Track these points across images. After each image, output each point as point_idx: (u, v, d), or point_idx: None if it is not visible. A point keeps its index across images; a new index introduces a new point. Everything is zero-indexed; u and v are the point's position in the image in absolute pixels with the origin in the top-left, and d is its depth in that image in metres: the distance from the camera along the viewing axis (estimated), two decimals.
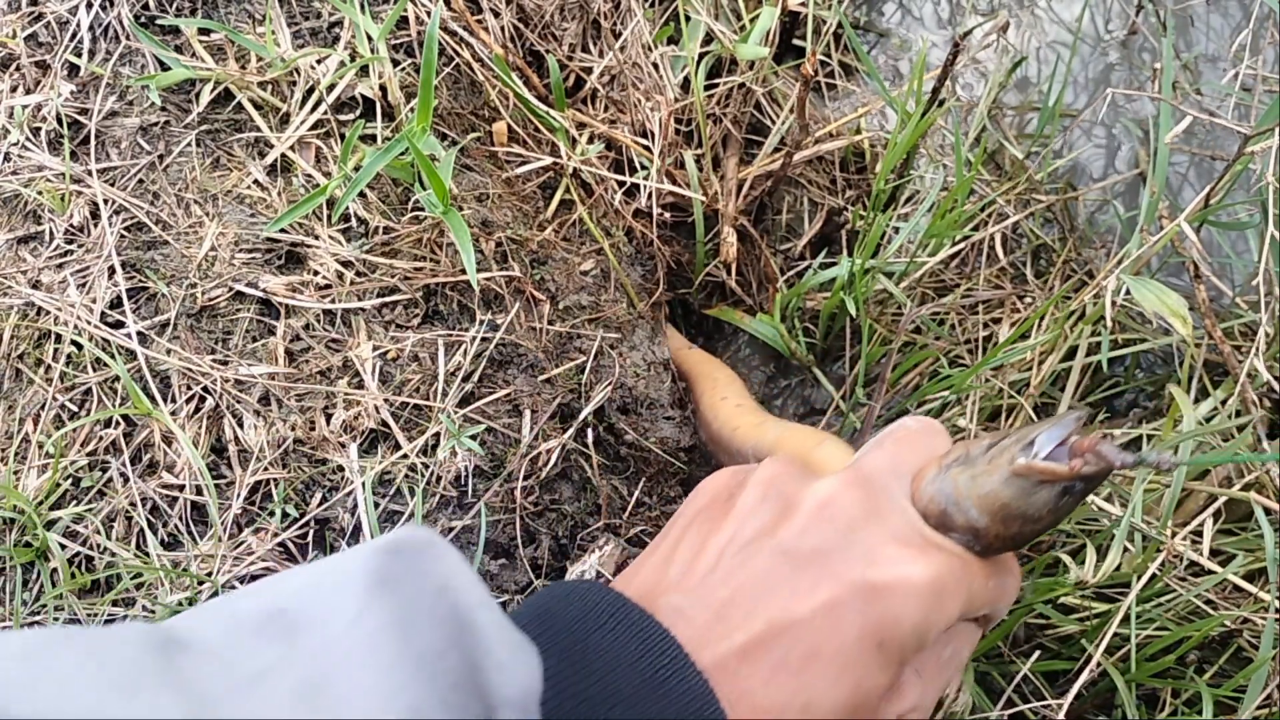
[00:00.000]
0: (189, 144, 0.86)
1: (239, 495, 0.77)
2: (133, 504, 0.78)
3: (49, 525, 0.78)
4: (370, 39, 0.87)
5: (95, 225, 0.85)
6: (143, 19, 0.89)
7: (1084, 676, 0.72)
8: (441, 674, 0.31)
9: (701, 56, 1.05)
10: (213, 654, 0.30)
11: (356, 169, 0.81)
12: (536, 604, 0.41)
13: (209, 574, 0.74)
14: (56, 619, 0.76)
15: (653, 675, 0.37)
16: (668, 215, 1.02)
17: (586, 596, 0.40)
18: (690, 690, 0.37)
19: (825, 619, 0.39)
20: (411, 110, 0.87)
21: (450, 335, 0.82)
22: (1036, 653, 0.78)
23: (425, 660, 0.31)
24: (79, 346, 0.81)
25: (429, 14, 0.92)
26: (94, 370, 0.81)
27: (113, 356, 0.80)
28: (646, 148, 1.00)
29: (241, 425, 0.78)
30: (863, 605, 0.39)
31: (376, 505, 0.77)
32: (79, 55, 0.89)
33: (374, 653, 0.31)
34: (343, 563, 0.35)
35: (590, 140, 0.99)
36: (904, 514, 0.43)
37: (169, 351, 0.80)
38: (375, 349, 0.81)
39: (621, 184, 1.00)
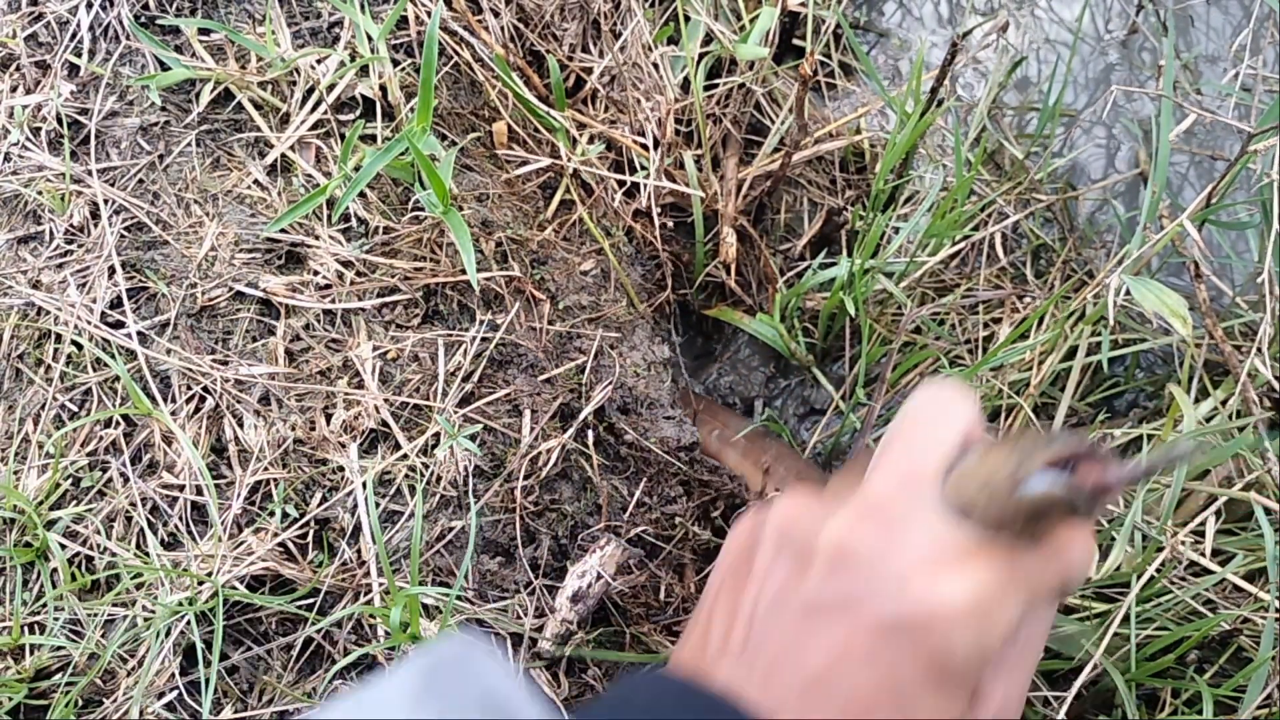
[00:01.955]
0: (189, 144, 0.86)
1: (239, 495, 0.77)
2: (133, 504, 0.78)
3: (49, 525, 0.78)
4: (370, 39, 0.87)
5: (95, 225, 0.85)
6: (143, 19, 0.89)
7: (1083, 676, 0.72)
8: None
9: (701, 56, 1.05)
10: None
11: (356, 169, 0.81)
12: (606, 702, 0.40)
13: (209, 574, 0.74)
14: (56, 619, 0.76)
15: None
16: (669, 222, 1.02)
17: (652, 687, 0.39)
18: None
19: (870, 668, 0.37)
20: (411, 110, 0.87)
21: (450, 335, 0.82)
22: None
23: None
24: (79, 346, 0.81)
25: (429, 14, 0.92)
26: (94, 370, 0.81)
27: (113, 356, 0.80)
28: (646, 147, 1.00)
29: (241, 425, 0.78)
30: (909, 644, 0.37)
31: (376, 505, 0.77)
32: (79, 55, 0.89)
33: None
34: (384, 688, 0.34)
35: (590, 140, 0.99)
36: (928, 529, 0.39)
37: (169, 351, 0.80)
38: (375, 349, 0.81)
39: (621, 184, 1.00)
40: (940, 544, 0.39)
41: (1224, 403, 0.87)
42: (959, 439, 0.42)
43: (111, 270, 0.83)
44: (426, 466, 0.78)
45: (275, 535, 0.76)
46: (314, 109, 0.88)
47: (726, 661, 0.40)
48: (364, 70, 0.89)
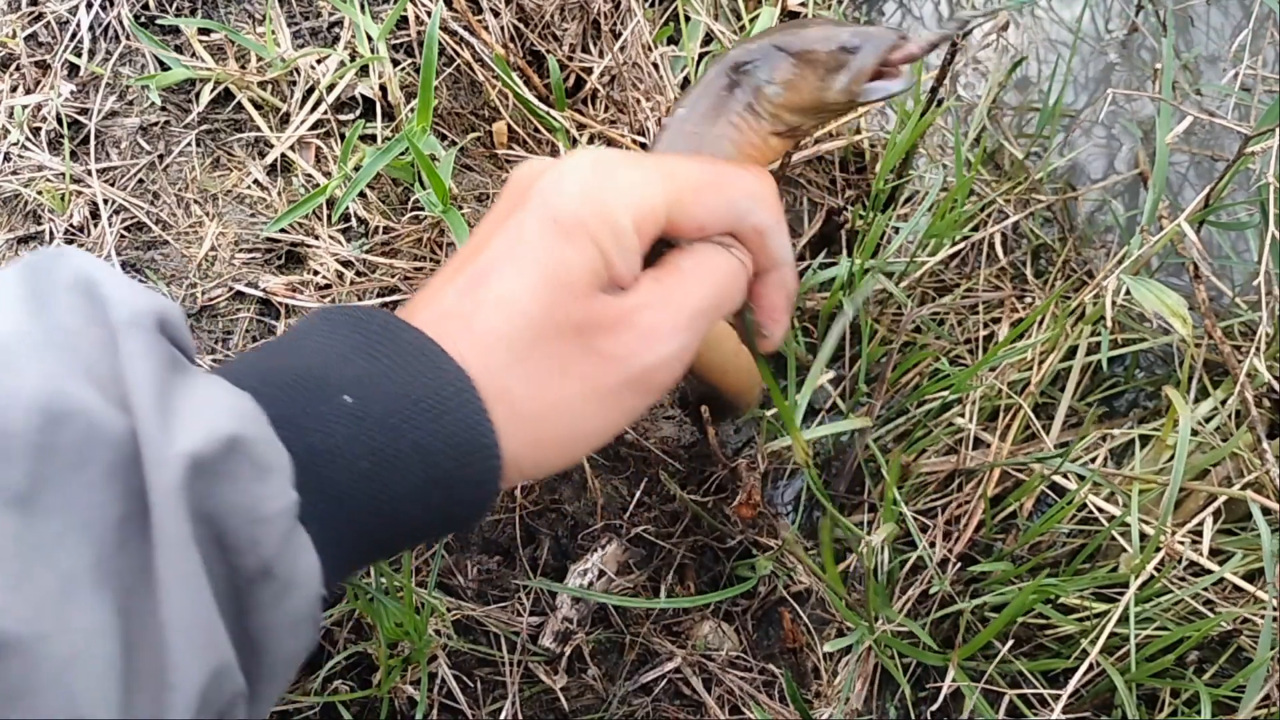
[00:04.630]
0: (189, 144, 0.86)
1: None
2: None
3: None
4: (370, 39, 0.87)
5: (95, 225, 0.85)
6: (143, 19, 0.90)
7: (1079, 674, 0.72)
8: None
9: (701, 56, 1.05)
10: None
11: (356, 169, 0.81)
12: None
13: None
14: None
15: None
16: None
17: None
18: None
19: (502, 231, 0.39)
20: (411, 110, 0.87)
21: None
22: (1036, 653, 0.78)
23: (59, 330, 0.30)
24: None
25: (429, 14, 0.92)
26: None
27: None
28: (646, 147, 1.00)
29: None
30: (536, 205, 0.38)
31: None
32: (79, 55, 0.89)
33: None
34: None
35: (590, 140, 0.99)
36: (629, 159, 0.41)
37: None
38: None
39: None
40: (615, 155, 0.40)
41: (1223, 403, 0.87)
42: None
43: None
44: None
45: None
46: (314, 109, 0.88)
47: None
48: (364, 70, 0.89)
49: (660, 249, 0.42)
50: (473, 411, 0.35)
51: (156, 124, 0.87)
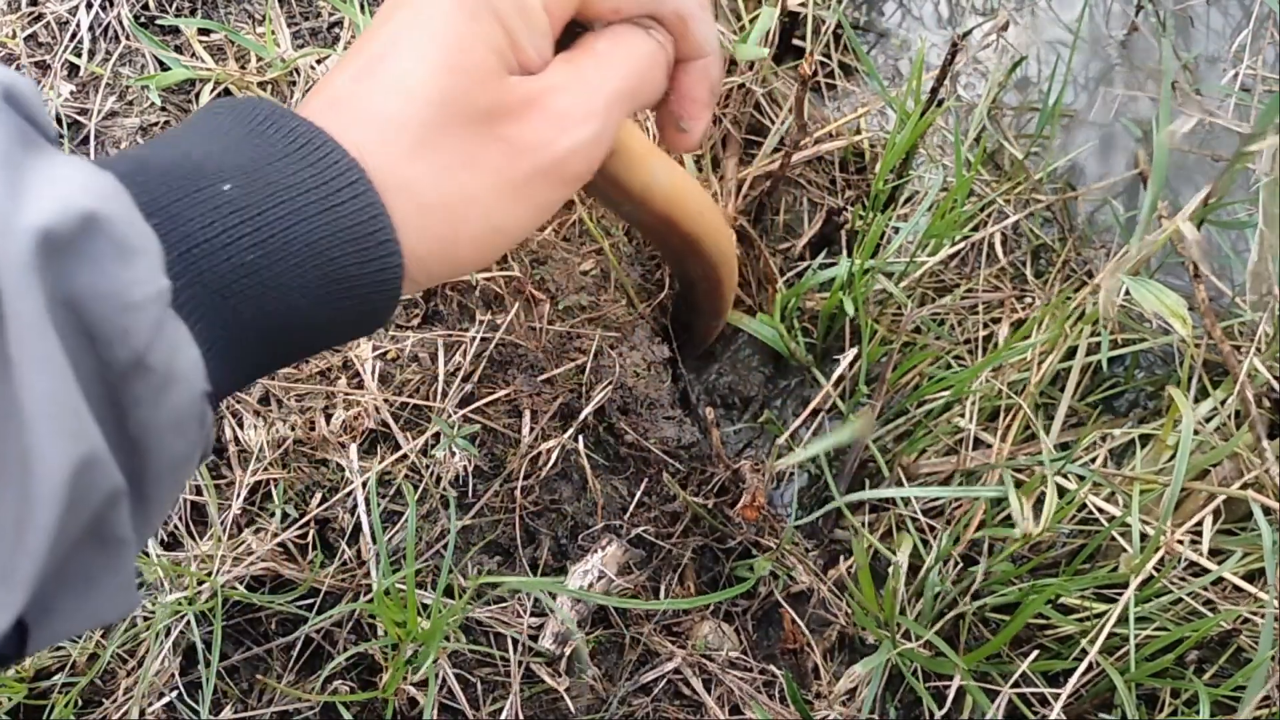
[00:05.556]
0: None
1: (239, 495, 0.77)
2: None
3: None
4: None
5: None
6: (143, 19, 0.90)
7: (1078, 674, 0.72)
8: None
9: None
10: None
11: None
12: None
13: (209, 574, 0.74)
14: None
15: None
16: None
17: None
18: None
19: (400, 6, 0.36)
20: None
21: (450, 335, 0.82)
22: (1035, 653, 0.78)
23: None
24: None
25: None
26: None
27: None
28: None
29: (241, 425, 0.78)
30: None
31: (377, 505, 0.77)
32: (79, 55, 0.89)
33: None
34: None
35: None
36: None
37: None
38: (375, 349, 0.81)
39: None
40: None
41: (1223, 402, 0.87)
42: None
43: None
44: (426, 466, 0.78)
45: (275, 535, 0.76)
46: None
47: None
48: None
49: (576, 33, 0.39)
50: (367, 204, 0.33)
51: (156, 124, 0.87)
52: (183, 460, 0.30)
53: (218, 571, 0.74)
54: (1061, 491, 0.88)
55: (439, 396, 0.80)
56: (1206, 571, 0.78)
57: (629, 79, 0.39)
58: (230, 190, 0.31)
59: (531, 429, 0.81)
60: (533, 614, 0.77)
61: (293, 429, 0.78)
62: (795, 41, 1.17)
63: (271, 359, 0.33)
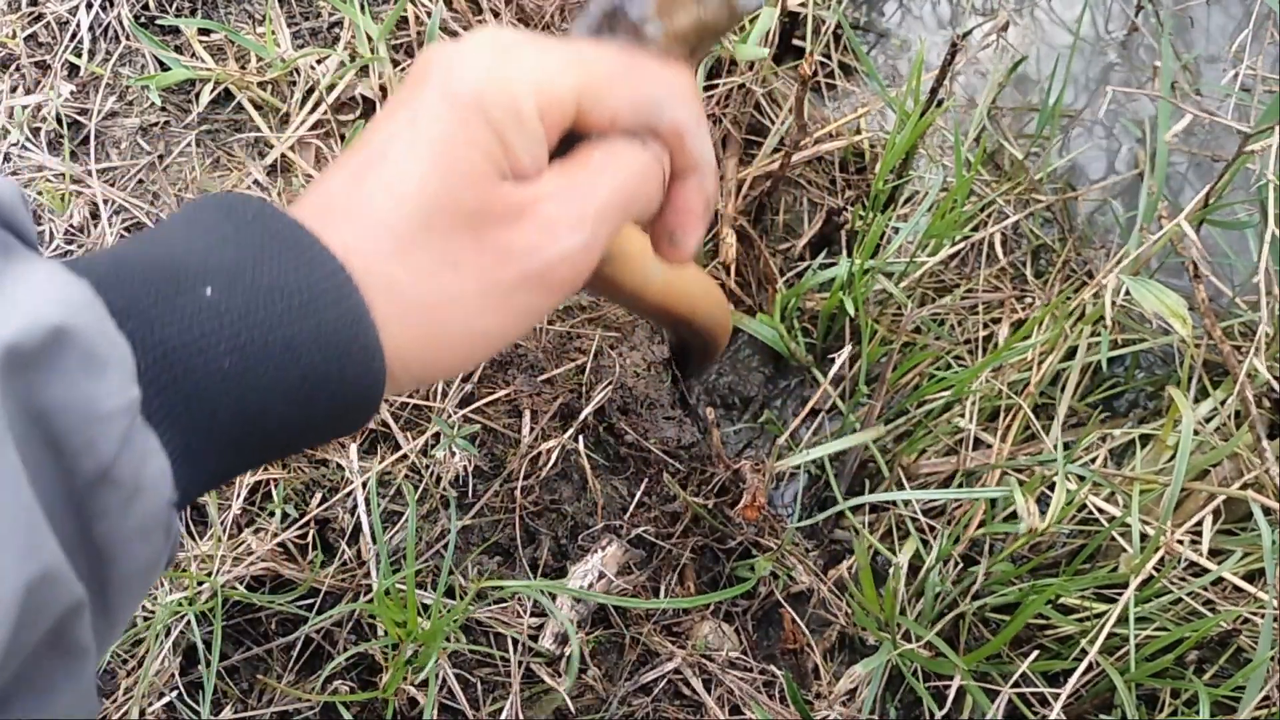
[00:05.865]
0: (189, 144, 0.86)
1: (239, 495, 0.77)
2: None
3: None
4: (370, 39, 0.87)
5: (95, 225, 0.85)
6: (143, 19, 0.90)
7: (1078, 674, 0.72)
8: None
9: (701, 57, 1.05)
10: None
11: None
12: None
13: (209, 574, 0.74)
14: None
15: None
16: None
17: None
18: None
19: (395, 111, 0.36)
20: None
21: None
22: (1035, 653, 0.78)
23: None
24: None
25: (429, 14, 0.92)
26: None
27: None
28: None
29: None
30: (434, 81, 0.36)
31: (377, 505, 0.77)
32: (79, 55, 0.89)
33: None
34: None
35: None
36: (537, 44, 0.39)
37: None
38: None
39: None
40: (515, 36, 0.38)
41: (1223, 402, 0.87)
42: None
43: None
44: (426, 466, 0.78)
45: (275, 535, 0.76)
46: (314, 109, 0.88)
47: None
48: (364, 70, 0.89)
49: (573, 142, 0.39)
50: (351, 307, 0.33)
51: (156, 124, 0.87)
52: (148, 568, 0.30)
53: (218, 571, 0.74)
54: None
55: (439, 396, 0.80)
56: (1206, 571, 0.78)
57: (621, 190, 0.39)
58: (211, 295, 0.31)
59: (531, 429, 0.81)
60: (533, 614, 0.77)
61: None
62: (795, 41, 1.17)
63: (247, 461, 0.33)
